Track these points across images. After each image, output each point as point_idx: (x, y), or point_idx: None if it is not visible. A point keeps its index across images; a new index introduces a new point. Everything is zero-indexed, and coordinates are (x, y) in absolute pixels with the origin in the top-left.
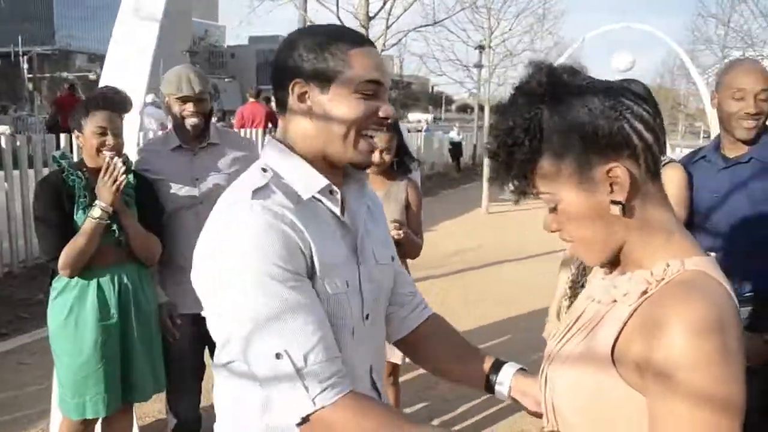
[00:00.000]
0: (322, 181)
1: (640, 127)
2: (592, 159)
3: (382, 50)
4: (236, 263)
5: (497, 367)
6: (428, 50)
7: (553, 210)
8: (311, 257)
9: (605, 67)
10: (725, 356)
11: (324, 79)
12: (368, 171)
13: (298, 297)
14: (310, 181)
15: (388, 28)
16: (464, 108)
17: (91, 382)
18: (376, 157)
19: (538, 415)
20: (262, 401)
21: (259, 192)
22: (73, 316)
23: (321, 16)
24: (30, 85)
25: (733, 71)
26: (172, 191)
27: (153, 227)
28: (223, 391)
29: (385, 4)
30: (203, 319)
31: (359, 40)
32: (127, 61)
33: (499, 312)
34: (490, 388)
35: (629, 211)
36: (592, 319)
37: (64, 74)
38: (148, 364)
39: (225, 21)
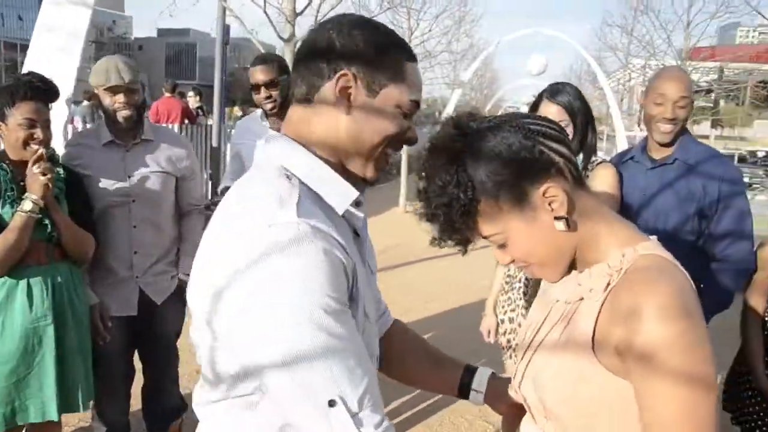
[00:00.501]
0: (353, 192)
1: (554, 145)
2: (525, 187)
3: None
4: (284, 291)
5: (471, 372)
6: None
7: (502, 246)
8: (354, 279)
9: (518, 70)
10: (697, 336)
11: (377, 82)
12: None
13: (348, 332)
14: (343, 193)
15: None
16: None
17: (21, 387)
18: None
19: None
20: None
21: (299, 208)
22: (0, 318)
23: (246, 10)
24: None
25: (659, 78)
26: (102, 187)
27: (84, 224)
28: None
29: (311, 1)
30: (134, 321)
31: (411, 52)
32: (56, 47)
33: (429, 308)
34: (464, 393)
35: (572, 223)
36: (563, 317)
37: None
38: (82, 369)
39: (132, 11)
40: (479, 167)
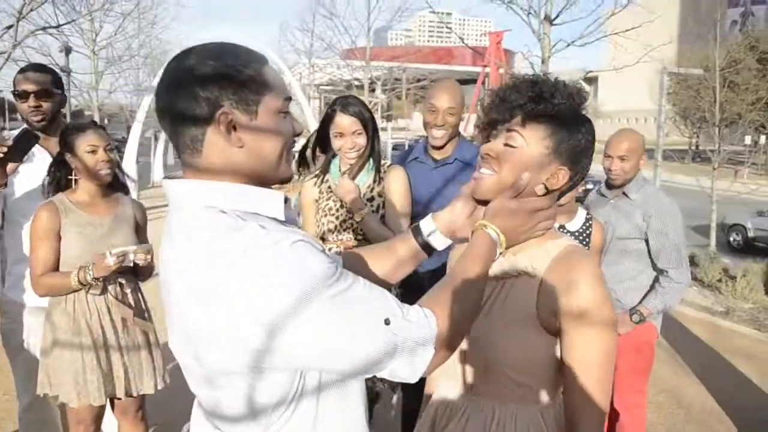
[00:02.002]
0: (280, 195)
1: (589, 163)
2: (556, 160)
3: (10, 52)
4: (306, 277)
5: (417, 229)
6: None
7: (508, 145)
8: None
9: None
10: (611, 300)
11: (251, 103)
12: (98, 186)
13: (353, 281)
14: (275, 199)
15: (13, 27)
16: None
17: None
18: (103, 155)
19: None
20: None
21: (257, 227)
22: None
23: None
24: None
25: (432, 90)
26: None
27: None
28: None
29: None
30: None
31: (262, 56)
32: None
33: None
34: (428, 248)
35: (549, 194)
36: (501, 292)
37: None
38: None
39: None
40: (581, 129)
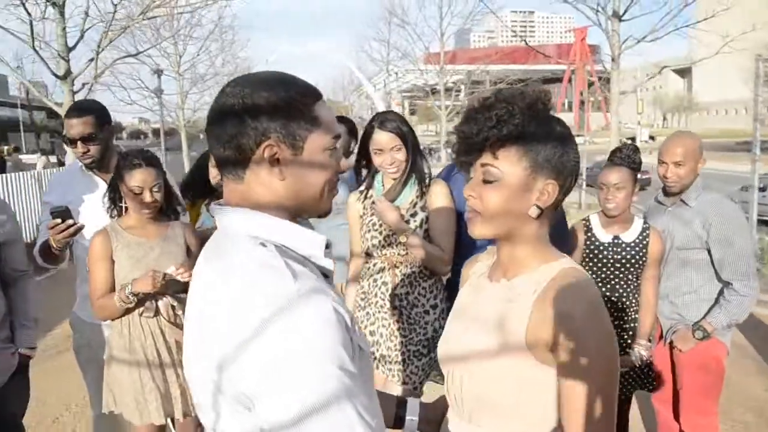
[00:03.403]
0: (321, 238)
1: (576, 160)
2: (540, 176)
3: (92, 83)
4: (303, 353)
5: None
6: (114, 81)
7: (487, 182)
8: (351, 327)
9: None
10: (610, 330)
11: (298, 138)
12: (145, 216)
13: (356, 384)
14: (311, 241)
15: (93, 60)
16: (137, 134)
17: None
18: (148, 197)
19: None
20: None
21: (290, 269)
22: None
23: (12, 46)
24: None
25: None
26: None
27: None
28: None
29: (82, 36)
30: None
31: (316, 91)
32: None
33: None
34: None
35: (541, 217)
36: (491, 318)
37: None
38: None
39: None
40: (552, 133)
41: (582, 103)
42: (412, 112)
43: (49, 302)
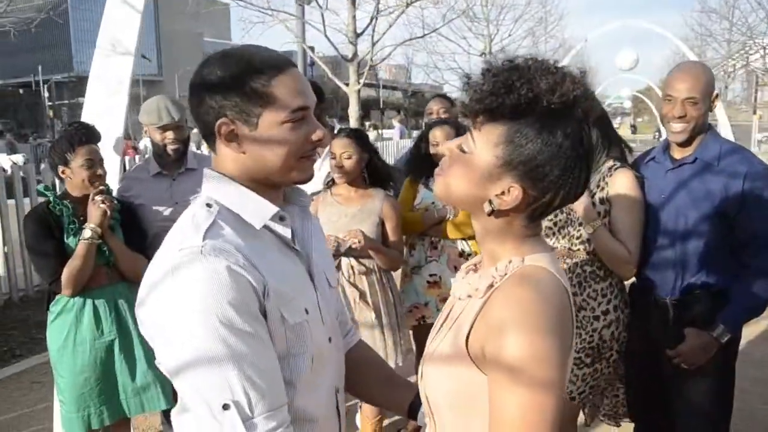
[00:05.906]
0: (272, 208)
1: (574, 183)
2: (507, 174)
3: (371, 65)
4: (186, 305)
5: (418, 394)
6: (429, 61)
7: (460, 148)
8: (265, 293)
9: (610, 67)
10: (548, 348)
11: (252, 115)
12: (338, 181)
13: (247, 344)
14: (260, 210)
15: (374, 44)
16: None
17: (94, 394)
18: (337, 161)
19: None
20: None
21: (208, 232)
22: (71, 335)
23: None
24: (50, 113)
25: (671, 76)
26: (153, 215)
27: (139, 249)
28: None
29: (372, 21)
30: None
31: (278, 64)
32: (108, 94)
33: None
34: (413, 413)
35: (497, 216)
36: (455, 315)
37: (82, 100)
38: (153, 377)
39: (237, 39)
40: (553, 133)
41: None
42: None
43: None
